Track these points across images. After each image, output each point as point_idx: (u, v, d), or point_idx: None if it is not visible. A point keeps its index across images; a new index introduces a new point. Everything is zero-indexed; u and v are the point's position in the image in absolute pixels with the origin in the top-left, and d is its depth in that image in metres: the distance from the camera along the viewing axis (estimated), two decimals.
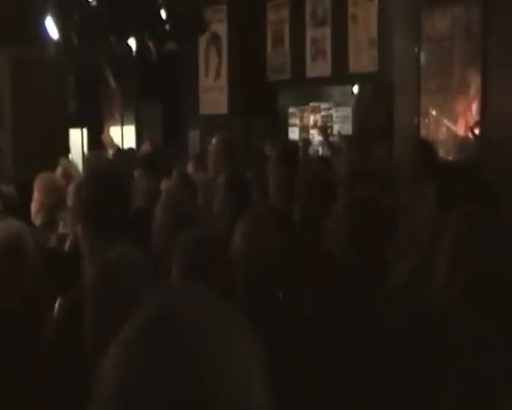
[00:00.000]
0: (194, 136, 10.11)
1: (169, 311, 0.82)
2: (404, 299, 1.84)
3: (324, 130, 9.02)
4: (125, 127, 11.47)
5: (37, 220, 3.96)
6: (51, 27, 6.23)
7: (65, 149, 7.58)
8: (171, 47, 6.95)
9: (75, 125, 9.75)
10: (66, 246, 3.34)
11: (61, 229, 3.74)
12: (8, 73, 6.81)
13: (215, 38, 9.87)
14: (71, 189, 3.48)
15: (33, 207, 3.99)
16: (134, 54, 6.83)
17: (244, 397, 0.78)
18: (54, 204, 3.89)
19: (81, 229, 2.41)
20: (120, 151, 7.15)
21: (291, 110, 9.98)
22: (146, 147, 7.18)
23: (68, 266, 2.85)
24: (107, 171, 2.60)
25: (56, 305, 2.57)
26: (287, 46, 9.53)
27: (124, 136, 11.43)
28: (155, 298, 0.86)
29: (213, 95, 10.10)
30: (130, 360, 0.78)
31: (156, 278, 2.34)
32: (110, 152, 6.99)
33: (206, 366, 0.77)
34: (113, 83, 7.81)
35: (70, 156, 7.54)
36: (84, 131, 11.02)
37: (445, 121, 7.11)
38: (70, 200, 3.42)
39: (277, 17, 9.64)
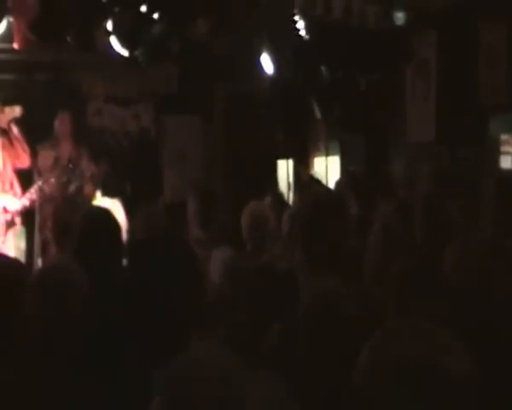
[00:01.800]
0: (399, 165, 9.97)
1: None
2: None
3: None
4: (330, 158, 11.64)
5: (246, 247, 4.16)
6: (266, 63, 6.56)
7: (273, 179, 7.88)
8: (378, 76, 6.95)
9: (281, 157, 10.10)
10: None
11: (273, 251, 3.90)
12: (224, 107, 7.28)
13: (423, 63, 9.68)
14: (286, 216, 3.61)
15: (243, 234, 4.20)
16: (341, 85, 6.95)
17: None
18: (261, 232, 4.06)
19: (298, 256, 2.48)
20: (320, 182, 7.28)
21: (503, 137, 9.43)
22: (349, 176, 7.24)
23: (282, 283, 2.95)
24: (327, 200, 2.66)
25: (273, 329, 2.67)
26: (502, 68, 9.03)
27: (328, 166, 11.61)
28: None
29: (420, 122, 9.90)
30: None
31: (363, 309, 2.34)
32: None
33: None
34: (318, 114, 8.00)
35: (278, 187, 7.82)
36: (290, 162, 11.37)
37: None
38: (285, 227, 3.56)
39: (492, 38, 9.18)
